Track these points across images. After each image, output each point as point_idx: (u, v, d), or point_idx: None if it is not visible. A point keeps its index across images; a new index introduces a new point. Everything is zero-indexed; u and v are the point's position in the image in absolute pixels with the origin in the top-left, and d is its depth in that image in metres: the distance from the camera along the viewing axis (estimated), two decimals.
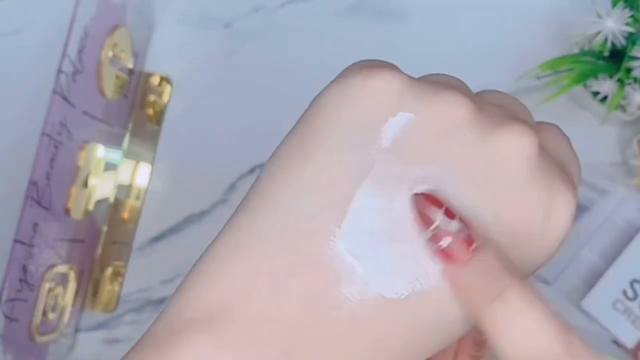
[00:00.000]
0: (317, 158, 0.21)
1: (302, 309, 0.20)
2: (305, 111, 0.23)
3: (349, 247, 0.20)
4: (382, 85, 0.22)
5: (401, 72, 0.22)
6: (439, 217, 0.20)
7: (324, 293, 0.20)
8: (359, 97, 0.22)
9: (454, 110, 0.21)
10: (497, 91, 0.25)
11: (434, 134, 0.21)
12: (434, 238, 0.20)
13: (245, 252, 0.21)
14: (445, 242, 0.20)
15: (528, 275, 0.24)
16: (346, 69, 0.23)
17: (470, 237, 0.20)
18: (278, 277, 0.21)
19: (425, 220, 0.20)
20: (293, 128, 0.23)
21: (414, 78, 0.22)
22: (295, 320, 0.20)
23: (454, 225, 0.20)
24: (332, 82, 0.23)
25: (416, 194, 0.21)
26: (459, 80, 0.24)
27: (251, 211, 0.22)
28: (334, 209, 0.21)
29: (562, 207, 0.22)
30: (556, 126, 0.26)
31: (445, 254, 0.20)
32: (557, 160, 0.23)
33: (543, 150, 0.22)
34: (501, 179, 0.21)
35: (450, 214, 0.20)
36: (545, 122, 0.26)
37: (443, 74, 0.24)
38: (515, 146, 0.21)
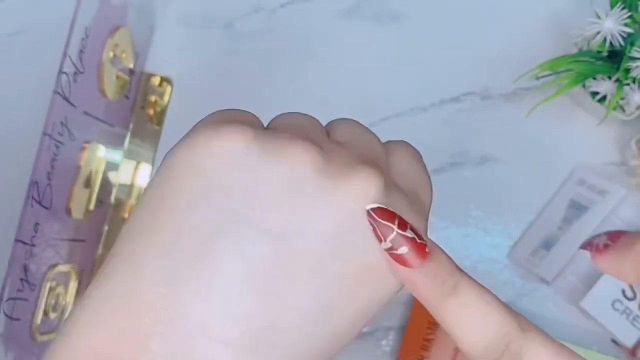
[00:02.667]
0: (168, 222, 0.22)
1: None
2: (157, 172, 0.24)
3: (215, 318, 0.21)
4: (226, 144, 0.22)
5: (249, 126, 0.23)
6: (394, 229, 0.22)
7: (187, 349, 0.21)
8: (204, 159, 0.22)
9: (299, 166, 0.22)
10: (346, 121, 0.26)
11: (282, 190, 0.22)
12: (391, 248, 0.22)
13: (106, 315, 0.22)
14: (402, 249, 0.22)
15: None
16: (195, 126, 0.24)
17: (422, 242, 0.22)
18: (138, 339, 0.21)
19: (382, 232, 0.22)
20: (146, 189, 0.24)
21: (261, 131, 0.23)
22: None
23: (408, 233, 0.22)
24: (180, 141, 0.23)
25: (371, 209, 0.22)
26: (310, 120, 0.25)
27: (104, 276, 0.23)
28: (188, 271, 0.21)
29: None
30: (406, 144, 0.27)
31: (403, 260, 0.22)
32: (408, 188, 0.25)
33: (390, 188, 0.23)
34: (351, 228, 0.22)
35: (403, 224, 0.22)
36: (395, 143, 0.27)
37: (295, 114, 0.26)
38: (360, 193, 0.22)
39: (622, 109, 0.50)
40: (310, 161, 0.22)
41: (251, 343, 0.21)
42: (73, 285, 0.51)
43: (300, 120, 0.25)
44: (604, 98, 0.49)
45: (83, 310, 0.22)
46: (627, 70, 0.47)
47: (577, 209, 0.51)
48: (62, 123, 0.45)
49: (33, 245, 0.45)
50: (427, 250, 0.22)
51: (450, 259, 0.22)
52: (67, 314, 0.51)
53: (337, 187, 0.22)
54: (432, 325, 0.52)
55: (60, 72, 0.44)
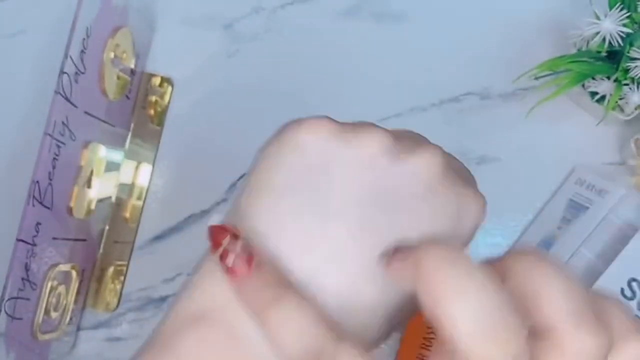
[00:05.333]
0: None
1: None
2: (258, 161, 0.26)
3: None
4: (308, 137, 0.25)
5: (328, 120, 0.25)
6: (226, 240, 0.23)
7: None
8: (291, 151, 0.25)
9: (372, 141, 0.24)
10: (402, 129, 0.29)
11: (358, 168, 0.24)
12: (222, 258, 0.23)
13: None
14: (230, 260, 0.23)
15: None
16: (279, 128, 0.26)
17: (251, 254, 0.23)
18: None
19: (215, 245, 0.23)
20: (255, 161, 0.26)
21: (338, 123, 0.25)
22: None
23: (238, 245, 0.23)
24: (270, 138, 0.26)
25: (210, 225, 0.24)
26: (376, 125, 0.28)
27: None
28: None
29: (471, 207, 0.26)
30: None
31: (231, 271, 0.23)
32: (459, 170, 0.28)
33: (448, 165, 0.26)
34: (413, 194, 0.25)
35: (235, 237, 0.23)
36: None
37: (363, 122, 0.28)
38: (424, 163, 0.25)
39: (621, 109, 0.50)
40: (383, 141, 0.24)
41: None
42: (74, 284, 0.51)
43: (366, 123, 0.28)
44: (603, 98, 0.49)
45: None
46: (626, 70, 0.47)
47: (576, 208, 0.51)
48: (63, 123, 0.45)
49: (34, 244, 0.45)
50: (253, 263, 0.23)
51: (278, 272, 0.23)
52: (68, 313, 0.51)
53: (404, 159, 0.25)
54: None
55: (62, 72, 0.44)
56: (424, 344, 0.52)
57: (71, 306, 0.52)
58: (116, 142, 0.54)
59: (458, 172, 0.27)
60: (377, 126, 0.25)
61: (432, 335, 0.52)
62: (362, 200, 0.24)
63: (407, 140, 0.26)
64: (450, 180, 0.26)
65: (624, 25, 0.46)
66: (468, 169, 0.30)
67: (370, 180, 0.24)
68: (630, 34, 0.47)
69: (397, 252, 0.23)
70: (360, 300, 0.23)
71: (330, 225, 0.23)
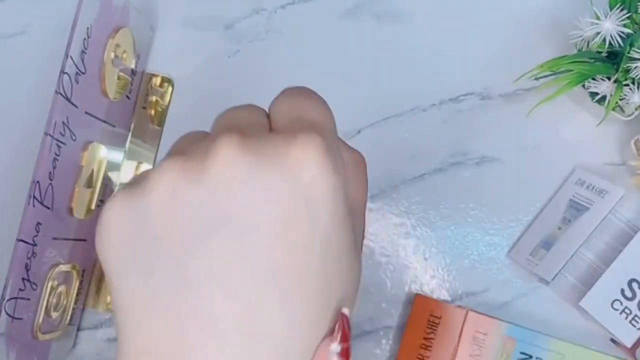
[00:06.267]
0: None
1: None
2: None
3: None
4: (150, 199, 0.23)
5: (179, 159, 0.23)
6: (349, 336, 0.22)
7: None
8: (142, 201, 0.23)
9: (223, 171, 0.22)
10: (283, 97, 0.27)
11: (218, 184, 0.22)
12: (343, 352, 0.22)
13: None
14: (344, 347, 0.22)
15: None
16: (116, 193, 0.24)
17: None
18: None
19: (344, 336, 0.22)
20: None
21: (187, 158, 0.23)
22: None
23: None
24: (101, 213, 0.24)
25: (343, 314, 0.22)
26: (248, 111, 0.26)
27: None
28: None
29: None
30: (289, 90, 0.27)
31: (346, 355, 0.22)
32: (288, 122, 0.24)
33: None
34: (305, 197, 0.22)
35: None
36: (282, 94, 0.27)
37: (233, 109, 0.27)
38: (301, 159, 0.22)
39: (622, 109, 0.50)
40: (237, 148, 0.22)
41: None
42: (74, 284, 0.51)
43: (237, 113, 0.26)
44: (603, 98, 0.49)
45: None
46: (627, 71, 0.47)
47: (577, 209, 0.51)
48: (63, 123, 0.45)
49: (35, 244, 0.45)
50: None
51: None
52: (69, 313, 0.51)
53: (270, 163, 0.22)
54: (432, 325, 0.52)
55: (62, 72, 0.44)
56: (423, 344, 0.52)
57: (71, 306, 0.52)
58: (116, 142, 0.54)
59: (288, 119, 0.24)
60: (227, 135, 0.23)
61: (432, 336, 0.52)
62: (189, 235, 0.22)
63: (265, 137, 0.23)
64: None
65: (625, 25, 0.46)
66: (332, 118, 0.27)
67: (186, 213, 0.22)
68: (631, 34, 0.47)
69: None
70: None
71: (176, 270, 0.22)
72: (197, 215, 0.22)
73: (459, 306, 0.53)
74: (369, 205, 0.55)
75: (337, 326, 0.22)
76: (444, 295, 0.54)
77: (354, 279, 0.24)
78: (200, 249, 0.21)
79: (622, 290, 0.49)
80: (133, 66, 0.54)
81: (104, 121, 0.51)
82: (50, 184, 0.45)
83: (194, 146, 0.24)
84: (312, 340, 0.22)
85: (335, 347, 0.22)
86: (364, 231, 0.25)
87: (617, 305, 0.49)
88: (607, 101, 0.49)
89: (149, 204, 0.22)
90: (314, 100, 0.26)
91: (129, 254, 0.23)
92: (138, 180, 0.23)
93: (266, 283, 0.21)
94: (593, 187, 0.51)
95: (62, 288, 0.50)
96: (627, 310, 0.49)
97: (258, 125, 0.25)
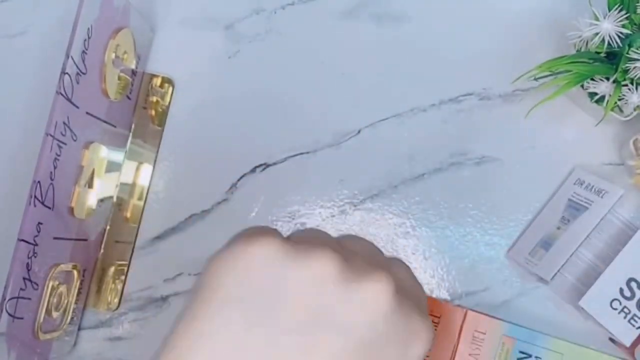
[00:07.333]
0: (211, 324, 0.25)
1: None
2: (201, 274, 0.27)
3: None
4: (258, 249, 0.25)
5: (275, 236, 0.26)
6: None
7: None
8: (241, 263, 0.25)
9: (322, 264, 0.25)
10: (354, 236, 0.30)
11: (309, 288, 0.25)
12: None
13: None
14: None
15: None
16: (231, 239, 0.27)
17: None
18: None
19: None
20: (192, 292, 0.26)
21: (288, 240, 0.26)
22: None
23: None
24: (220, 250, 0.26)
25: None
26: (324, 232, 0.28)
27: None
28: None
29: (421, 336, 0.27)
30: (400, 260, 0.30)
31: None
32: (410, 293, 0.28)
33: (399, 293, 0.26)
34: (364, 322, 0.25)
35: None
36: (393, 258, 0.30)
37: (309, 229, 0.29)
38: (373, 293, 0.25)
39: (620, 109, 0.50)
40: (332, 264, 0.25)
41: None
42: (75, 284, 0.52)
43: (315, 232, 0.28)
44: (602, 99, 0.50)
45: None
46: (625, 71, 0.47)
47: (576, 208, 0.51)
48: (64, 123, 0.45)
49: (36, 244, 0.45)
50: None
51: None
52: (69, 313, 0.52)
53: (355, 287, 0.25)
54: (432, 324, 0.52)
55: (63, 72, 0.44)
56: None
57: (72, 306, 0.52)
58: (117, 143, 0.54)
59: (411, 297, 0.28)
60: (328, 245, 0.25)
61: None
62: (308, 322, 0.24)
63: (359, 261, 0.26)
64: (401, 309, 0.26)
65: (623, 26, 0.46)
66: (422, 290, 0.30)
67: (318, 304, 0.25)
68: (629, 34, 0.47)
69: None
70: None
71: (280, 339, 0.24)
72: (325, 312, 0.24)
73: (459, 305, 0.53)
74: (369, 205, 0.55)
75: None
76: (443, 294, 0.54)
77: None
78: (308, 340, 0.24)
79: (621, 290, 0.49)
80: (133, 66, 0.54)
81: (105, 121, 0.51)
82: (51, 184, 0.45)
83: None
84: None
85: None
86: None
87: (616, 304, 0.49)
88: (605, 101, 0.49)
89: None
90: (378, 249, 0.30)
91: (254, 293, 0.25)
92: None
93: None
94: (592, 187, 0.51)
95: (62, 288, 0.50)
96: (626, 310, 0.49)
97: (408, 284, 0.29)
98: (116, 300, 0.56)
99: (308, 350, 0.24)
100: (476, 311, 0.52)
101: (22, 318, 0.45)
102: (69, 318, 0.52)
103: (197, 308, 0.25)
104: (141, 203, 0.57)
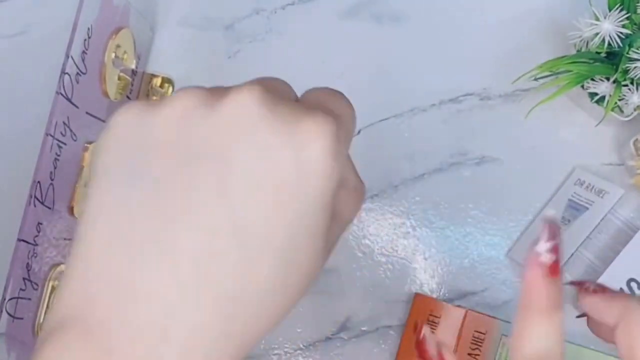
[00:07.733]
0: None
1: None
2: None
3: None
4: (118, 118, 0.24)
5: (143, 102, 0.24)
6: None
7: None
8: (109, 139, 0.24)
9: (180, 100, 0.23)
10: (317, 89, 0.27)
11: (171, 126, 0.23)
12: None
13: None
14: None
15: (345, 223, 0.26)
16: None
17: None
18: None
19: (552, 234, 0.27)
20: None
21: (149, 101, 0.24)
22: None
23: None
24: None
25: (547, 217, 0.27)
26: (283, 83, 0.27)
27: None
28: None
29: (313, 140, 0.22)
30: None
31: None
32: (312, 103, 0.25)
33: (273, 95, 0.24)
34: (234, 140, 0.22)
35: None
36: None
37: (270, 79, 0.27)
38: (238, 103, 0.23)
39: (621, 109, 0.50)
40: (187, 96, 0.23)
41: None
42: None
43: (271, 79, 0.27)
44: (602, 99, 0.50)
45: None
46: (625, 71, 0.47)
47: (576, 209, 0.51)
48: (64, 123, 0.45)
49: (36, 244, 0.45)
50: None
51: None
52: None
53: (220, 103, 0.23)
54: (432, 324, 0.52)
55: (63, 72, 0.44)
56: None
57: None
58: None
59: (290, 99, 0.24)
60: (191, 88, 0.24)
61: None
62: (182, 157, 0.22)
63: (290, 105, 0.23)
64: (280, 109, 0.23)
65: (624, 26, 0.46)
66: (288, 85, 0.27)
67: (187, 136, 0.22)
68: (630, 35, 0.47)
69: (599, 291, 0.28)
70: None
71: (159, 185, 0.22)
72: (196, 144, 0.22)
73: (459, 306, 0.53)
74: (369, 205, 0.55)
75: (542, 228, 0.26)
76: (443, 294, 0.54)
77: (312, 270, 0.23)
78: (186, 177, 0.22)
79: (621, 290, 0.49)
80: (133, 67, 0.54)
81: (105, 121, 0.51)
82: (51, 184, 0.45)
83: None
84: (265, 296, 0.22)
85: (543, 245, 0.27)
86: (331, 250, 0.25)
87: None
88: (606, 101, 0.49)
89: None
90: (345, 101, 0.26)
91: (121, 158, 0.23)
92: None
93: (234, 231, 0.21)
94: (592, 187, 0.51)
95: None
96: None
97: (285, 92, 0.26)
98: None
99: (192, 183, 0.21)
100: (476, 311, 0.52)
101: (22, 318, 0.45)
102: None
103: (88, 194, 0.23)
104: None
